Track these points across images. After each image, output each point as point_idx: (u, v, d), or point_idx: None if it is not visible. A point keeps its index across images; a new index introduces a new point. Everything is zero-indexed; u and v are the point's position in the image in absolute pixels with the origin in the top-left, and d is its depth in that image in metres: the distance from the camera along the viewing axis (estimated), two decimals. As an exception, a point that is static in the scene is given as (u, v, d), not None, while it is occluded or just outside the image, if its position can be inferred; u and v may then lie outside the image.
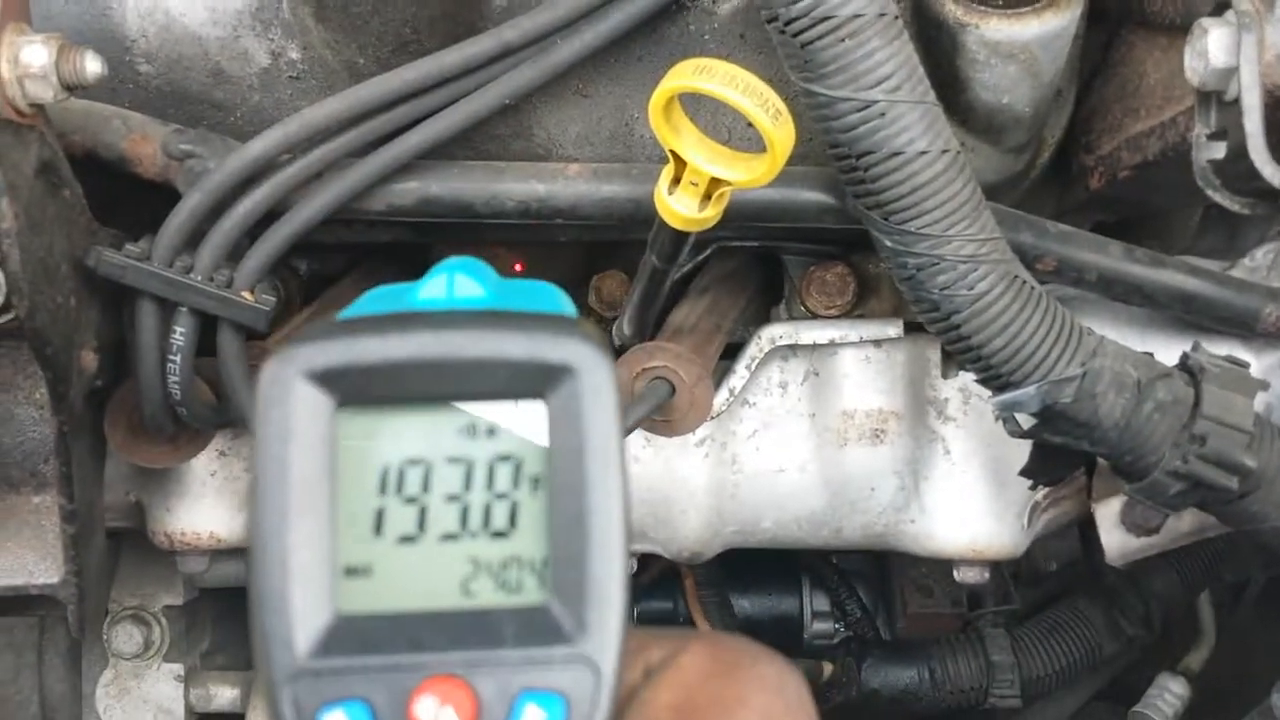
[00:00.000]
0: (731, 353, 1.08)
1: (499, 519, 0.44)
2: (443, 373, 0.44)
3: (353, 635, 0.42)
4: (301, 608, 0.42)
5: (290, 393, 0.43)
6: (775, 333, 1.06)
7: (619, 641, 0.42)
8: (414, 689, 0.41)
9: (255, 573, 0.42)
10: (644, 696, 0.47)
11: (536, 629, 0.42)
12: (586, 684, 0.42)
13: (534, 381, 0.44)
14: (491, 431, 0.44)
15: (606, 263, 1.11)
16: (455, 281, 0.48)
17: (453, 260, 0.49)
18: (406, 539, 0.44)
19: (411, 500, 0.44)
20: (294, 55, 0.91)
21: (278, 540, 0.42)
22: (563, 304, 0.50)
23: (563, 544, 0.43)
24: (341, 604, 0.42)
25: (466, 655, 0.42)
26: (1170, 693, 1.32)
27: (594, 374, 0.44)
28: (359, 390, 0.43)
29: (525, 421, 0.44)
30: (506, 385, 0.44)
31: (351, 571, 0.43)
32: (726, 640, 0.51)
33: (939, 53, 0.91)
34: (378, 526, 0.44)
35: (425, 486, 0.44)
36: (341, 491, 0.43)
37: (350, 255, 1.11)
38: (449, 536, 0.44)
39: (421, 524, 0.44)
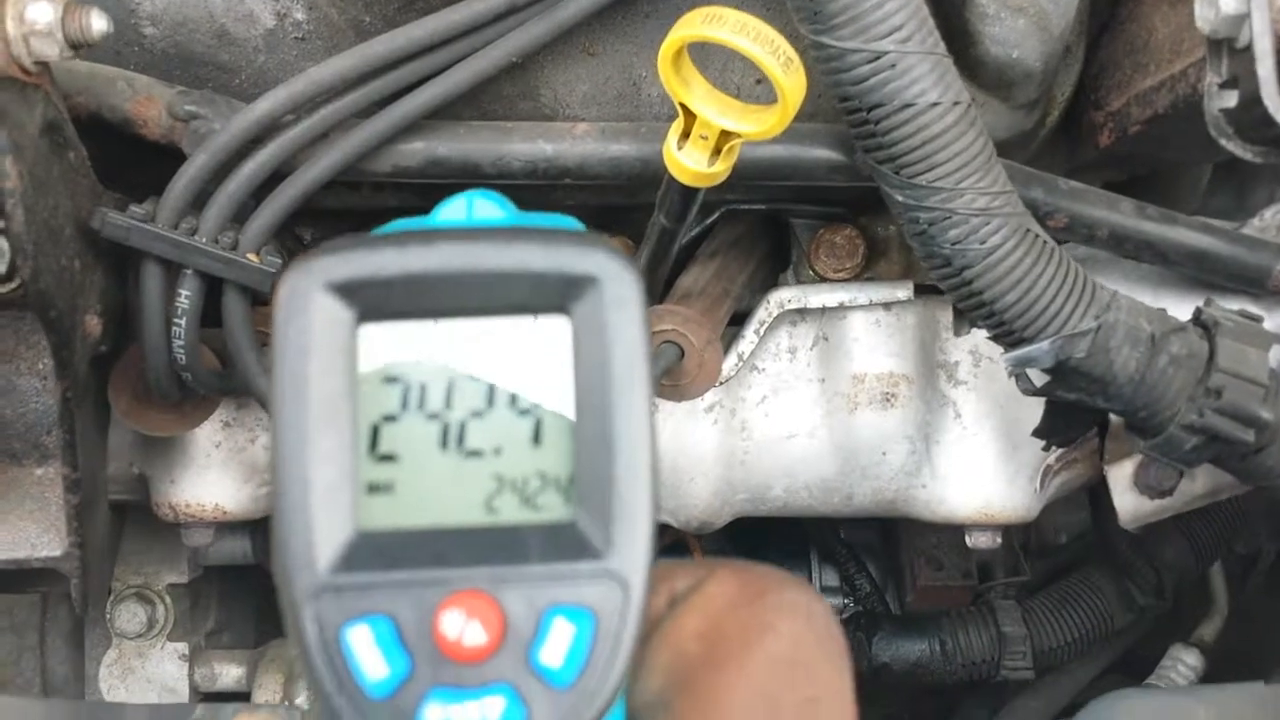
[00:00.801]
0: (739, 320, 1.07)
1: (523, 435, 0.43)
2: (465, 286, 0.42)
3: (375, 551, 0.41)
4: (323, 523, 0.41)
5: (310, 304, 0.42)
6: (784, 296, 1.05)
7: (647, 558, 0.41)
8: (439, 604, 0.40)
9: (276, 489, 0.41)
10: (670, 624, 0.46)
11: (563, 545, 0.41)
12: (615, 599, 0.41)
13: (558, 295, 0.43)
14: (515, 345, 0.43)
15: (614, 228, 1.10)
16: (475, 205, 0.47)
17: (470, 190, 0.48)
18: (428, 455, 0.43)
19: (434, 416, 0.43)
20: (299, 16, 0.90)
21: (298, 456, 0.41)
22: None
23: (589, 460, 0.42)
24: (363, 520, 0.41)
25: (492, 570, 0.41)
26: (1184, 664, 1.31)
27: (619, 285, 0.42)
28: (380, 303, 0.42)
29: (549, 335, 0.43)
30: (530, 298, 0.43)
31: (373, 488, 0.42)
32: (753, 568, 0.50)
33: (948, 7, 0.91)
34: (399, 442, 0.43)
35: (448, 402, 0.43)
36: (362, 407, 0.42)
37: (354, 222, 1.10)
38: (472, 453, 0.43)
39: (444, 440, 0.43)
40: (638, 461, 0.41)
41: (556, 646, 0.40)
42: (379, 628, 0.40)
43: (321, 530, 0.40)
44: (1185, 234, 0.99)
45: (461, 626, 0.40)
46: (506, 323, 0.43)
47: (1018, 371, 0.92)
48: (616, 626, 0.40)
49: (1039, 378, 0.92)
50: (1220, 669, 1.33)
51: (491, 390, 0.43)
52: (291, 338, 0.41)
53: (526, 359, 0.43)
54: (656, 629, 0.46)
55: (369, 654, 0.40)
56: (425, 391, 0.43)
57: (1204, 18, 0.84)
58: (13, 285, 0.94)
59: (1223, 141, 0.88)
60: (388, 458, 0.42)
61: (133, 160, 0.91)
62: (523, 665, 0.40)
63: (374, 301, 0.42)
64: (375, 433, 0.42)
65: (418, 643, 0.40)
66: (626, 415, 0.42)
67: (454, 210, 0.47)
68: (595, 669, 0.40)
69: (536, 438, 0.43)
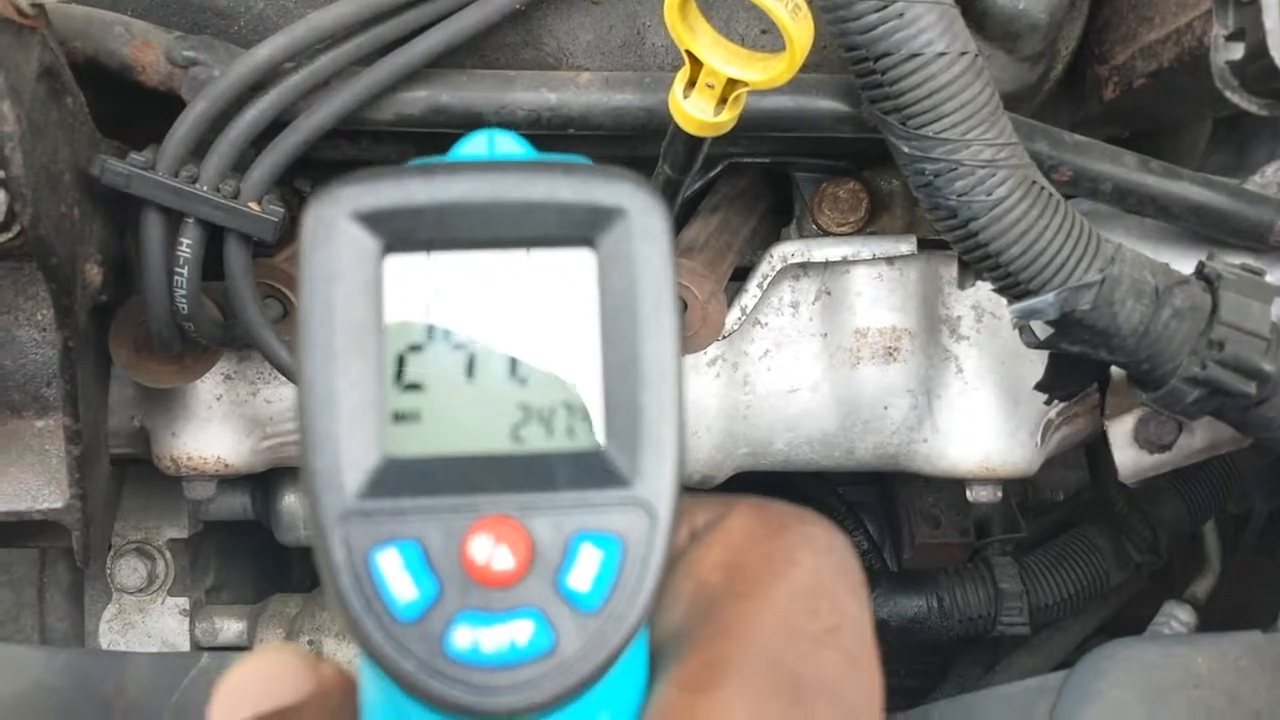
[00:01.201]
0: (742, 274, 1.07)
1: (549, 366, 0.43)
2: (493, 217, 0.42)
3: (403, 477, 0.41)
4: (350, 450, 0.40)
5: (336, 233, 0.41)
6: (787, 250, 1.05)
7: (674, 486, 0.41)
8: (468, 528, 0.40)
9: (303, 415, 0.41)
10: (692, 557, 0.46)
11: (590, 473, 0.41)
12: (642, 526, 0.40)
13: (586, 226, 0.42)
14: (543, 276, 0.43)
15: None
16: (495, 140, 0.47)
17: (489, 128, 0.48)
18: (454, 384, 0.42)
19: (459, 346, 0.43)
20: (299, -40, 0.89)
21: (324, 382, 0.40)
22: None
23: (616, 389, 0.42)
24: (390, 447, 0.41)
25: (520, 497, 0.41)
26: (1177, 619, 1.33)
27: (647, 217, 0.42)
28: (406, 233, 0.42)
29: (577, 266, 0.43)
30: (558, 230, 0.43)
31: (399, 417, 0.42)
32: (773, 504, 0.50)
33: (955, -44, 0.90)
34: (425, 371, 0.43)
35: (473, 333, 0.43)
36: (388, 337, 0.42)
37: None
38: (498, 382, 0.43)
39: (470, 370, 0.43)
40: (664, 391, 0.41)
41: (584, 572, 0.40)
42: (407, 552, 0.40)
43: (349, 456, 0.40)
44: (1188, 189, 0.99)
45: (490, 551, 0.40)
46: (534, 254, 0.43)
47: (1022, 324, 0.92)
48: (644, 552, 0.40)
49: (1043, 330, 0.92)
50: (1212, 627, 1.34)
51: (518, 321, 0.43)
52: (317, 267, 0.41)
53: (553, 290, 0.43)
54: (678, 561, 0.46)
55: (398, 577, 0.40)
56: (451, 322, 0.43)
57: (1212, -33, 0.83)
58: (11, 234, 0.93)
59: (1228, 94, 0.87)
60: (414, 386, 0.42)
61: (130, 108, 0.90)
62: (550, 590, 0.40)
63: (400, 231, 0.42)
64: (401, 362, 0.42)
65: (446, 567, 0.40)
66: (653, 346, 0.42)
67: (475, 145, 0.47)
68: (623, 594, 0.40)
69: (562, 368, 0.43)
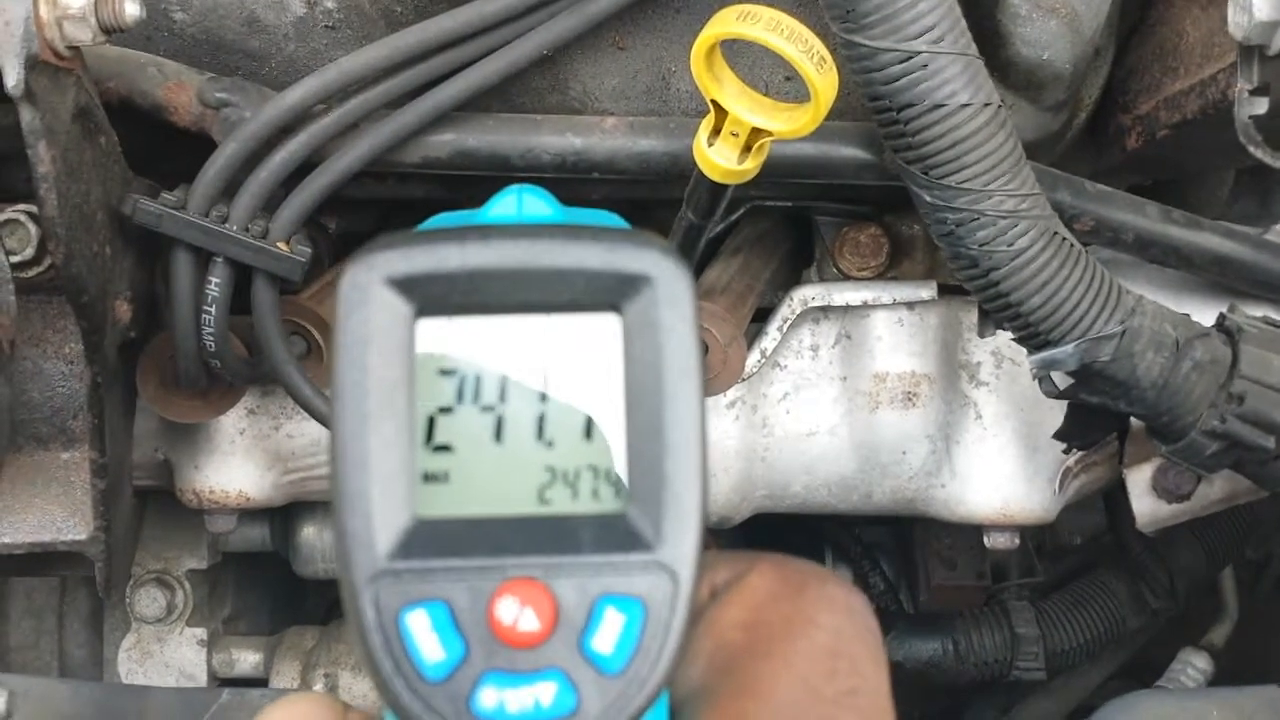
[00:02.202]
0: (762, 317, 1.08)
1: (575, 429, 0.44)
2: (522, 282, 0.43)
3: (432, 538, 0.42)
4: (382, 511, 0.42)
5: (370, 298, 0.43)
6: (807, 294, 1.05)
7: (696, 550, 0.42)
8: (494, 591, 0.41)
9: (336, 475, 0.42)
10: (712, 615, 0.47)
11: (614, 536, 0.42)
12: (665, 590, 0.41)
13: (613, 292, 0.44)
14: (569, 342, 0.44)
15: (641, 223, 1.10)
16: (525, 200, 0.48)
17: (517, 185, 0.49)
18: (483, 447, 0.44)
19: (488, 409, 0.44)
20: (330, 4, 0.90)
21: (358, 443, 0.42)
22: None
23: (640, 453, 0.43)
24: (420, 508, 0.42)
25: (545, 560, 0.42)
26: (1193, 667, 1.32)
27: (673, 284, 0.43)
28: (438, 297, 0.43)
29: (603, 332, 0.44)
30: (585, 296, 0.44)
31: (429, 477, 0.43)
32: (793, 562, 0.50)
33: (980, 8, 0.91)
34: (455, 434, 0.44)
35: (502, 396, 0.44)
36: (419, 398, 0.43)
37: (380, 213, 1.10)
38: (525, 445, 0.44)
39: (498, 433, 0.44)
40: (688, 456, 0.42)
41: (607, 634, 0.41)
42: (436, 613, 0.41)
43: (380, 517, 0.42)
44: (1210, 239, 0.99)
45: (516, 613, 0.41)
46: (561, 319, 0.44)
47: (1042, 374, 0.92)
48: (666, 616, 0.41)
49: (1062, 380, 0.93)
50: (1229, 674, 1.33)
51: (545, 384, 0.44)
52: (352, 330, 0.42)
53: (580, 355, 0.44)
54: (699, 620, 0.47)
55: (426, 638, 0.41)
56: (480, 385, 0.44)
57: (1236, 23, 0.84)
58: (41, 268, 0.94)
59: (1252, 149, 0.88)
60: (443, 448, 0.44)
61: (162, 150, 0.91)
62: (574, 652, 0.41)
63: (432, 296, 0.43)
64: (431, 424, 0.44)
65: (473, 628, 0.41)
66: (678, 411, 0.43)
67: (505, 205, 0.48)
68: (645, 657, 0.41)
69: (588, 432, 0.44)
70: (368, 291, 0.42)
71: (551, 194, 0.49)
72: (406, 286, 0.43)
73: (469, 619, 0.41)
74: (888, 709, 0.47)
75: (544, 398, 0.44)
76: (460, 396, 0.44)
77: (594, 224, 0.46)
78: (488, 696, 0.40)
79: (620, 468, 0.43)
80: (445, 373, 0.44)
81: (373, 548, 0.41)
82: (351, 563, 0.41)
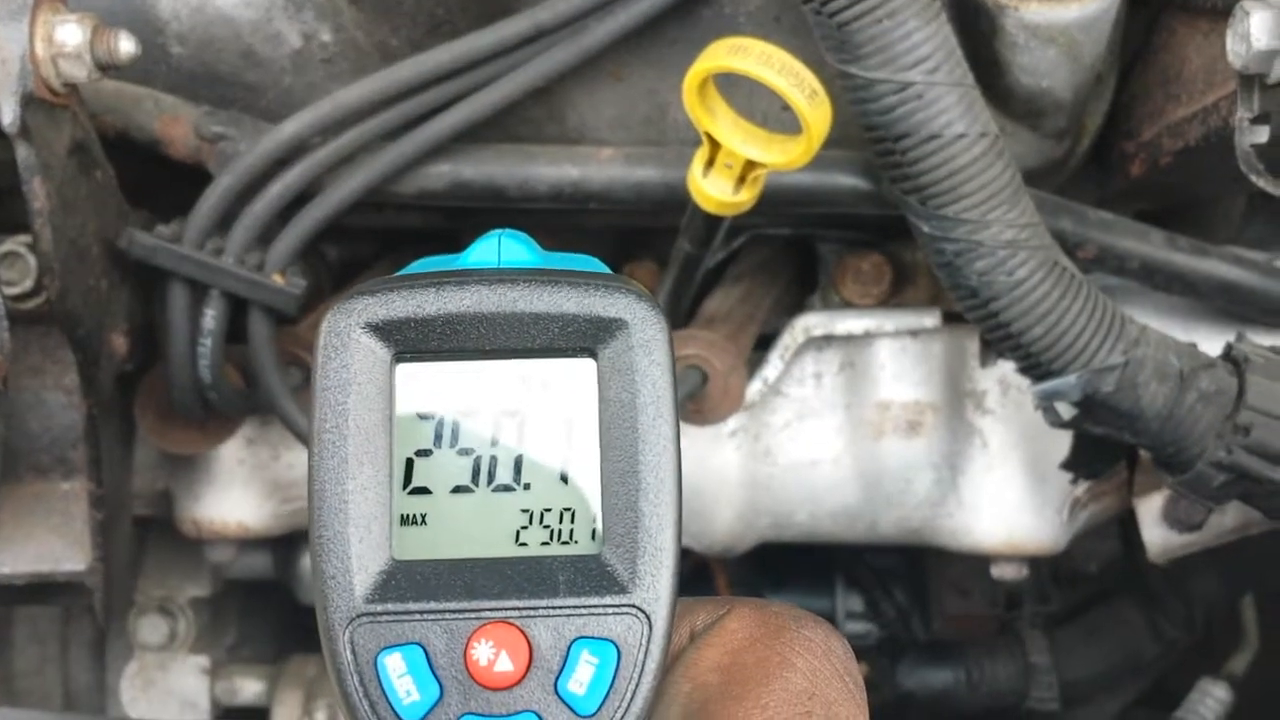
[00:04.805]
0: (764, 345, 1.07)
1: (551, 472, 0.45)
2: (498, 327, 0.44)
3: (409, 581, 0.43)
4: (359, 554, 0.42)
5: (349, 343, 0.44)
6: (810, 322, 1.04)
7: (671, 593, 0.43)
8: (470, 634, 0.42)
9: (315, 519, 0.43)
10: (689, 658, 0.47)
11: (589, 578, 0.43)
12: (639, 633, 0.42)
13: (588, 337, 0.45)
14: (545, 386, 0.45)
15: (639, 251, 1.10)
16: (504, 246, 0.48)
17: (498, 230, 0.50)
18: (460, 490, 0.45)
19: (466, 452, 0.45)
20: (326, 37, 0.91)
21: (336, 487, 0.43)
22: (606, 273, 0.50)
23: (615, 496, 0.44)
24: (397, 551, 0.43)
25: (521, 603, 0.43)
26: (1212, 697, 1.29)
27: (647, 328, 0.44)
28: (416, 342, 0.44)
29: (579, 376, 0.45)
30: (561, 340, 0.45)
31: (407, 520, 0.44)
32: (772, 605, 0.50)
33: (978, 36, 0.90)
34: (432, 477, 0.45)
35: (478, 439, 0.45)
36: (397, 442, 0.44)
37: (379, 241, 1.10)
38: (501, 488, 0.45)
39: (475, 476, 0.45)
40: (663, 499, 0.43)
41: (581, 676, 0.42)
42: (411, 656, 0.42)
43: (358, 560, 0.42)
44: (1216, 266, 0.97)
45: (491, 656, 0.42)
46: (537, 364, 0.45)
47: (1045, 405, 0.91)
48: (640, 658, 0.42)
49: (1067, 411, 0.91)
50: (1250, 704, 1.31)
51: (521, 428, 0.45)
52: (331, 374, 0.43)
53: (556, 399, 0.45)
54: (677, 663, 0.47)
55: (402, 681, 0.42)
56: (457, 428, 0.45)
57: (1235, 53, 0.82)
58: (40, 300, 0.95)
59: (1253, 177, 0.86)
60: (421, 490, 0.44)
61: (158, 181, 0.92)
62: (549, 694, 0.42)
63: (410, 341, 0.44)
64: (409, 467, 0.44)
65: (449, 670, 0.42)
66: (652, 454, 0.44)
67: (484, 252, 0.49)
68: (618, 698, 0.42)
69: (564, 475, 0.45)
70: (347, 337, 0.43)
71: (531, 238, 0.50)
72: (385, 332, 0.44)
73: (445, 661, 0.42)
74: None
75: (520, 441, 0.45)
76: (438, 440, 0.45)
77: (572, 269, 0.47)
78: None
79: (595, 510, 0.44)
80: (423, 417, 0.44)
81: (350, 590, 0.42)
82: (329, 605, 0.42)
